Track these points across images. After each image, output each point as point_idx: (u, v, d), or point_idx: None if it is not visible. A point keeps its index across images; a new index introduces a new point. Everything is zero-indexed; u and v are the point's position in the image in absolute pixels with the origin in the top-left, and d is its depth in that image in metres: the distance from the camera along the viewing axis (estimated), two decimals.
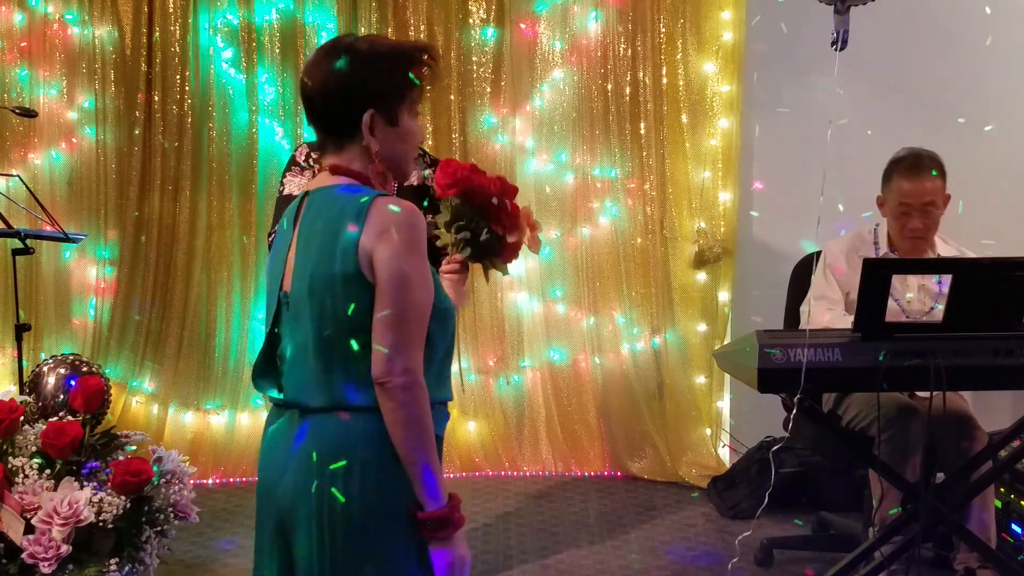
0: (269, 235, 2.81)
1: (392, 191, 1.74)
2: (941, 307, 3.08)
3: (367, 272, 1.61)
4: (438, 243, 2.48)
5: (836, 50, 2.56)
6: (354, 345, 1.62)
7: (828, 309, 3.11)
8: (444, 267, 2.49)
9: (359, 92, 1.70)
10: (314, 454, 1.63)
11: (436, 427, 1.66)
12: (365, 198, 1.65)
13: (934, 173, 3.06)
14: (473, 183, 2.34)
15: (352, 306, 1.62)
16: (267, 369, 1.77)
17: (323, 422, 1.65)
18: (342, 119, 1.71)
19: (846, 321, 3.03)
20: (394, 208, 1.64)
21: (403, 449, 1.60)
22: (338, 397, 1.64)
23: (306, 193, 1.76)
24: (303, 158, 2.82)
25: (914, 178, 3.05)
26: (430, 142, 4.42)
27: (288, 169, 2.84)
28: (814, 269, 3.29)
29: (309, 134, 4.40)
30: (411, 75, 1.73)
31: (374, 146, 1.71)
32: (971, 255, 3.21)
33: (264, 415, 4.79)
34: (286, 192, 2.79)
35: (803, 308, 3.26)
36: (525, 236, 2.35)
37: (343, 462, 1.61)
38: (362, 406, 1.62)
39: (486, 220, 2.36)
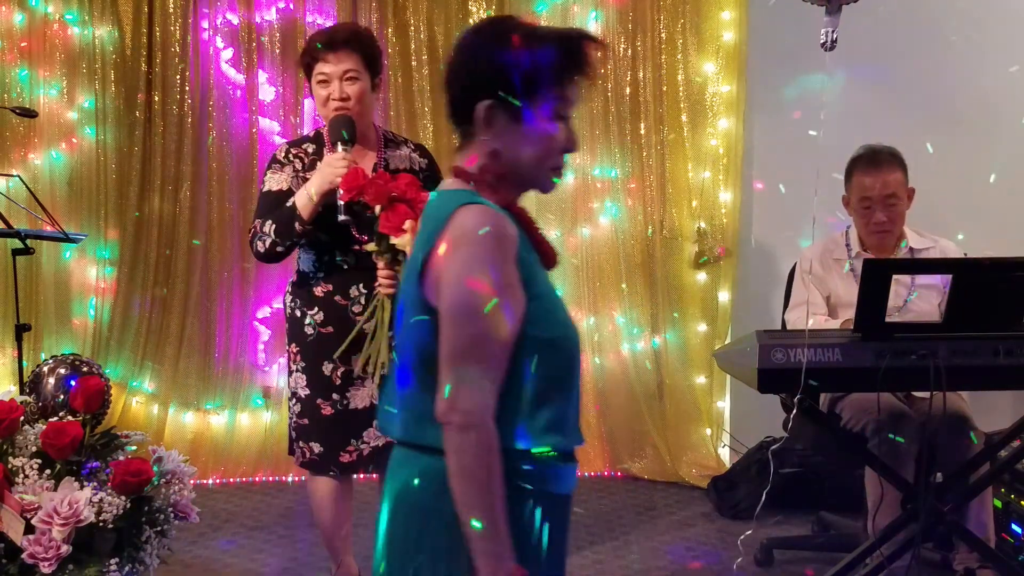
0: (249, 231, 2.81)
1: (502, 201, 1.50)
2: (916, 299, 3.13)
3: (431, 295, 1.42)
4: (367, 247, 2.64)
5: (826, 50, 2.56)
6: (424, 376, 1.44)
7: (813, 315, 3.13)
8: (379, 272, 2.63)
9: (478, 78, 1.47)
10: (391, 489, 1.51)
11: (543, 483, 1.44)
12: (451, 207, 1.43)
13: (893, 165, 3.09)
14: (366, 191, 2.51)
15: (415, 331, 1.45)
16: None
17: (403, 457, 1.51)
18: (460, 108, 1.51)
19: (831, 325, 3.06)
20: (470, 218, 1.41)
21: (456, 502, 1.37)
22: (411, 431, 1.48)
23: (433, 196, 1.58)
24: (283, 155, 2.84)
25: (873, 172, 3.10)
26: (431, 142, 4.42)
27: (269, 167, 2.85)
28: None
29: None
30: (552, 66, 1.47)
31: (489, 143, 1.48)
32: (950, 244, 3.24)
33: (264, 415, 4.82)
34: (266, 189, 2.80)
35: (787, 316, 3.28)
36: (409, 244, 2.51)
37: (407, 504, 1.46)
38: (433, 446, 1.42)
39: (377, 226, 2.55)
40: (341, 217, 2.64)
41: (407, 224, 2.53)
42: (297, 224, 2.68)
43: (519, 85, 1.44)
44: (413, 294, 1.46)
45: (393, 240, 2.55)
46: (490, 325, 1.38)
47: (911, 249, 3.18)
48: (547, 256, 1.54)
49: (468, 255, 1.38)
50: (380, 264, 2.65)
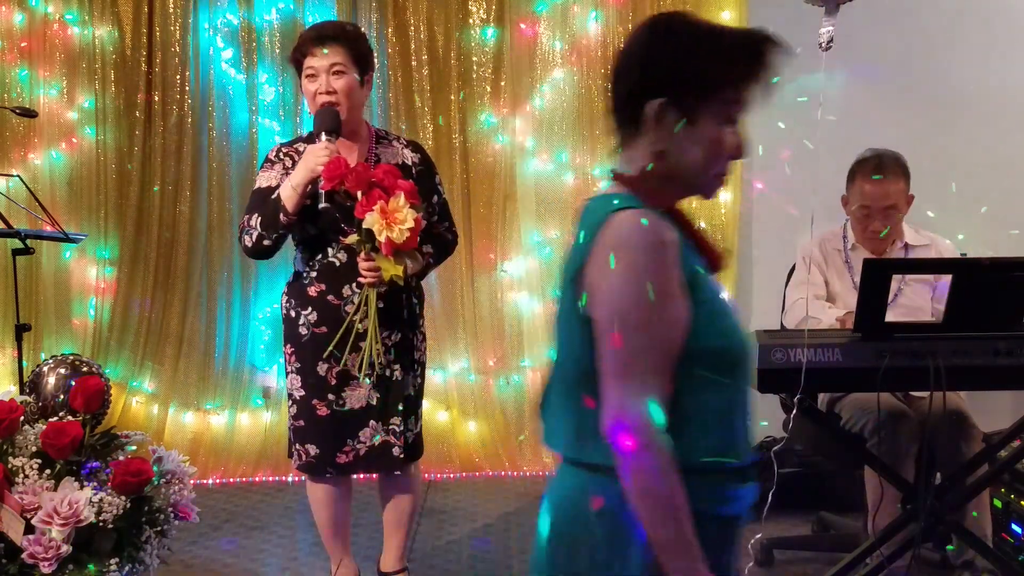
0: (240, 227, 2.82)
1: (663, 205, 1.42)
2: (906, 293, 3.13)
3: (587, 305, 1.35)
4: (347, 240, 2.66)
5: (823, 50, 2.56)
6: (577, 389, 1.38)
7: (816, 297, 3.15)
8: (360, 264, 2.65)
9: (651, 75, 1.38)
10: (548, 507, 1.45)
11: (708, 504, 1.35)
12: (605, 212, 1.35)
13: (897, 174, 3.10)
14: (346, 179, 2.54)
15: (572, 343, 1.39)
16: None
17: (564, 474, 1.43)
18: (627, 106, 1.42)
19: (830, 315, 3.07)
20: (626, 224, 1.33)
21: (642, 522, 1.31)
22: (571, 447, 1.42)
23: (586, 201, 1.49)
24: (274, 154, 2.86)
25: (876, 180, 3.10)
26: (431, 142, 4.43)
27: (262, 166, 2.87)
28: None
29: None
30: (729, 66, 1.37)
31: (656, 144, 1.39)
32: (946, 243, 3.25)
33: (264, 415, 4.82)
34: (256, 186, 2.81)
35: (788, 291, 3.32)
36: (375, 223, 2.52)
37: (566, 523, 1.40)
38: (591, 463, 1.37)
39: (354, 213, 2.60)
40: (322, 204, 2.65)
41: (377, 205, 2.54)
42: (282, 215, 2.68)
43: (694, 85, 1.37)
44: (568, 304, 1.39)
45: (365, 224, 2.56)
46: (651, 337, 1.31)
47: (906, 245, 3.19)
48: (713, 260, 1.46)
49: (625, 264, 1.31)
50: (361, 255, 2.65)
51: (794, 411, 2.68)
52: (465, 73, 4.47)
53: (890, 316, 2.66)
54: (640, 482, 1.30)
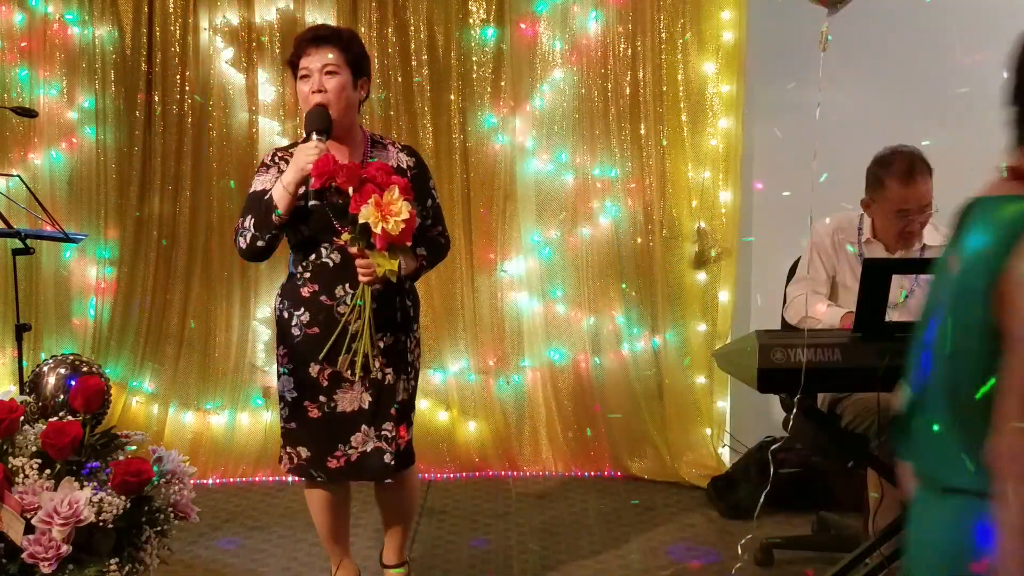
0: (235, 229, 2.82)
1: None
2: (917, 294, 3.12)
3: (999, 316, 1.25)
4: (341, 239, 2.65)
5: (822, 50, 2.56)
6: (962, 409, 1.28)
7: (815, 292, 3.12)
8: (356, 261, 2.64)
9: None
10: (919, 539, 1.34)
11: None
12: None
13: (926, 174, 3.07)
14: (337, 175, 2.54)
15: (972, 359, 1.28)
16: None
17: (927, 501, 1.33)
18: None
19: (834, 314, 3.04)
20: None
21: (1000, 562, 1.21)
22: (941, 471, 1.30)
23: (972, 202, 1.37)
24: (270, 158, 2.87)
25: (912, 183, 3.03)
26: (431, 142, 4.43)
27: (257, 170, 2.87)
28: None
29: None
30: None
31: None
32: None
33: (264, 415, 4.82)
34: (251, 190, 2.82)
35: (789, 288, 3.29)
36: (371, 215, 2.52)
37: (941, 556, 1.30)
38: (962, 487, 1.28)
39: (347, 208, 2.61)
40: (312, 202, 2.64)
41: (371, 199, 2.54)
42: (274, 215, 2.68)
43: None
44: (970, 312, 1.28)
45: (360, 217, 2.56)
46: None
47: (924, 247, 3.16)
48: None
49: None
50: (354, 251, 2.64)
51: (794, 411, 2.68)
52: (465, 73, 4.47)
53: (901, 317, 2.66)
54: (1012, 514, 1.20)
